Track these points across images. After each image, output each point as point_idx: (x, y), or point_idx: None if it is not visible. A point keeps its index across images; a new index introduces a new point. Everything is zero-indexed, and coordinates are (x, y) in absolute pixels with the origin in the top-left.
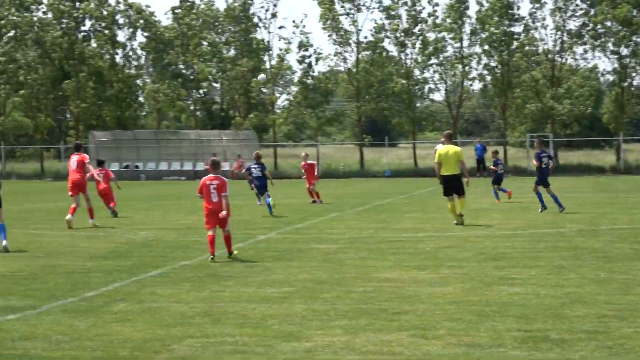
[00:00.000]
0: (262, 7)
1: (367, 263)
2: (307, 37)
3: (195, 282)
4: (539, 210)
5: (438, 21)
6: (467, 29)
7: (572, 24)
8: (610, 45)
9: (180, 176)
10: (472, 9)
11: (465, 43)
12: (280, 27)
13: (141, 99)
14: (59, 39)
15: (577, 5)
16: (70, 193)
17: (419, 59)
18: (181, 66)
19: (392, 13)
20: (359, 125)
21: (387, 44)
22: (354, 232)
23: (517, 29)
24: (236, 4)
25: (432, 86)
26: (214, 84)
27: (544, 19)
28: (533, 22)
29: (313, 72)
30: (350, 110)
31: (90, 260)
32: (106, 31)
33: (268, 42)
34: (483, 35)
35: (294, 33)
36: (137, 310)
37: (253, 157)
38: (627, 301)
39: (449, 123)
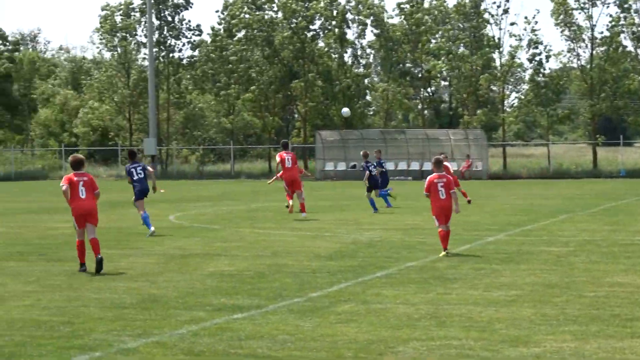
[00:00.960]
0: (494, 2)
1: (598, 267)
2: (535, 35)
3: (420, 283)
4: None
5: None
6: None
7: None
8: None
9: (407, 176)
10: None
11: None
12: (511, 24)
13: (369, 97)
14: (288, 38)
15: None
16: (288, 188)
17: None
18: (408, 64)
19: (625, 6)
20: (592, 123)
21: (623, 39)
22: (586, 235)
23: None
24: (466, 1)
25: None
26: (443, 82)
27: None
28: None
29: (544, 69)
30: (583, 109)
31: (315, 260)
32: (336, 30)
33: (499, 38)
34: None
35: (525, 30)
36: (362, 311)
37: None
38: None
39: None
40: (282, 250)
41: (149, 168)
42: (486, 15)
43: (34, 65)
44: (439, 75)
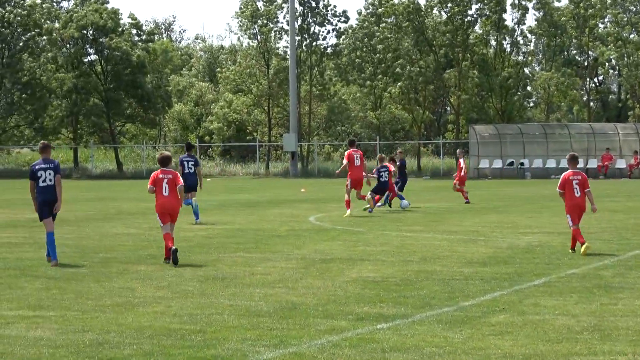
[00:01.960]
0: None
1: None
2: None
3: (583, 293)
4: None
5: None
6: None
7: None
8: None
9: None
10: None
11: None
12: None
13: (529, 88)
14: (442, 25)
15: None
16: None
17: None
18: (574, 52)
19: None
20: None
21: None
22: None
23: None
24: None
25: None
26: (611, 71)
27: None
28: None
29: None
30: None
31: (467, 266)
32: (493, 15)
33: None
34: None
35: None
36: (518, 322)
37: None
38: None
39: None
40: (430, 255)
41: (200, 165)
42: None
43: (167, 56)
44: (607, 63)
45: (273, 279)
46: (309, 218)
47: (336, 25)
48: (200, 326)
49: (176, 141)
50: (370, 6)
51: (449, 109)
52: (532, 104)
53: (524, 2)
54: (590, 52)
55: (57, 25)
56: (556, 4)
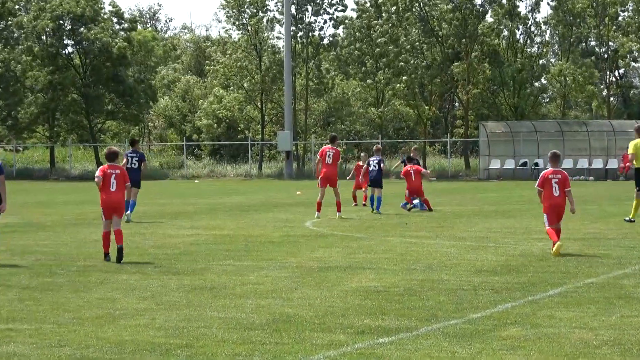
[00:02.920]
0: None
1: None
2: None
3: (602, 304)
4: None
5: None
6: None
7: None
8: None
9: (587, 176)
10: None
11: None
12: None
13: (543, 81)
14: (449, 13)
15: None
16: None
17: None
18: (592, 42)
19: None
20: None
21: None
22: None
23: None
24: None
25: None
26: (633, 64)
27: None
28: None
29: None
30: None
31: (477, 275)
32: (504, 2)
33: None
34: None
35: None
36: (531, 336)
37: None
38: None
39: None
40: (437, 263)
41: (146, 161)
42: None
43: (148, 46)
44: (628, 55)
45: (266, 289)
46: (305, 223)
47: (333, 14)
48: (186, 340)
49: (162, 139)
50: None
51: (457, 104)
52: (547, 99)
53: None
54: (610, 43)
55: (26, 18)
56: None
